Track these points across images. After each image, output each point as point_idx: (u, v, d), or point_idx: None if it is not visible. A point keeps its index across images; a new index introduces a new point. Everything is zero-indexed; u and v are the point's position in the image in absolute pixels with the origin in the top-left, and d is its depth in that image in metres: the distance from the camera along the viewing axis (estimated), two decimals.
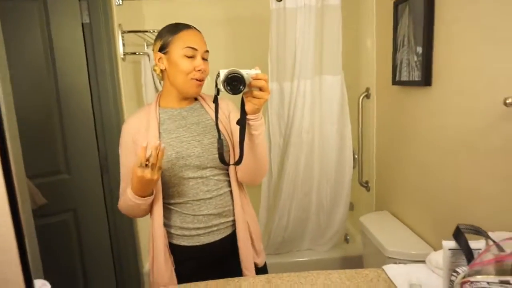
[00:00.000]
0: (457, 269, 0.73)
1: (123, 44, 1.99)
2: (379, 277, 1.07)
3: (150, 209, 1.18)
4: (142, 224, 2.05)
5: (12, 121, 0.99)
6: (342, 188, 2.16)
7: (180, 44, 1.12)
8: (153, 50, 1.20)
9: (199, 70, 1.13)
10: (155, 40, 1.18)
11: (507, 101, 0.97)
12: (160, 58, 1.16)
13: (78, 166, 1.81)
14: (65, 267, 1.81)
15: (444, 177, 1.43)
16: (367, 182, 2.24)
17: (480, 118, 1.20)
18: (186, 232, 1.18)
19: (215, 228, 1.20)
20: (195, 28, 1.18)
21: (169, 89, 1.19)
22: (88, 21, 1.83)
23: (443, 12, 1.39)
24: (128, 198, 1.10)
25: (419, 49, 1.51)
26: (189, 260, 1.20)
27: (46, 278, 0.88)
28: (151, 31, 2.18)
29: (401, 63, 1.68)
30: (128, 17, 2.12)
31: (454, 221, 1.34)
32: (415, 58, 1.54)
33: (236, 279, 1.11)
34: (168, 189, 1.17)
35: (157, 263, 1.16)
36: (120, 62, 1.96)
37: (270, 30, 1.96)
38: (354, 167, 2.17)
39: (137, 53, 2.11)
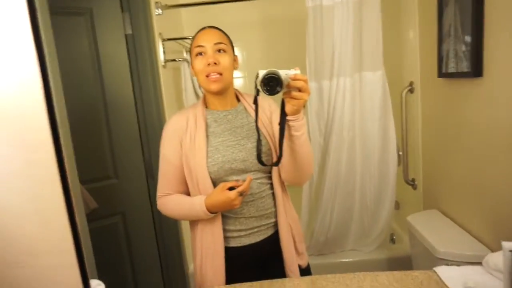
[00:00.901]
0: None
1: (164, 52, 2.06)
2: (430, 279, 1.02)
3: None
4: (186, 227, 2.11)
5: (66, 130, 1.05)
6: (387, 186, 2.08)
7: (193, 47, 1.16)
8: None
9: (209, 64, 1.12)
10: None
11: None
12: (192, 68, 1.20)
13: (125, 171, 1.89)
14: (116, 268, 1.90)
15: (500, 173, 1.34)
16: (413, 180, 2.14)
17: None
18: (228, 234, 1.20)
19: (256, 230, 1.20)
20: (211, 26, 1.19)
21: (205, 92, 1.23)
22: (130, 32, 1.91)
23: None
24: (191, 207, 1.15)
25: (468, 38, 1.42)
26: (232, 262, 1.21)
27: (99, 279, 0.93)
28: (190, 37, 2.24)
29: (447, 54, 1.60)
30: (168, 25, 2.19)
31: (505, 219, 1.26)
32: (463, 48, 1.46)
33: (280, 280, 1.11)
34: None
35: (211, 265, 1.18)
36: (161, 69, 2.03)
37: (307, 29, 1.94)
38: (398, 165, 2.09)
39: (176, 59, 2.18)
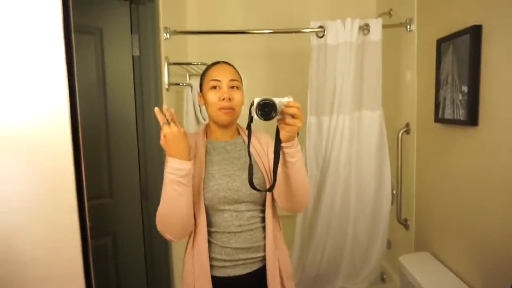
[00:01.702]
0: None
1: (168, 75, 2.09)
2: None
3: (191, 235, 1.18)
4: (177, 251, 2.07)
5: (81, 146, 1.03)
6: (380, 224, 2.10)
7: (207, 80, 1.21)
8: (197, 91, 1.27)
9: (224, 99, 1.16)
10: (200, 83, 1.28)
11: None
12: (200, 97, 1.26)
13: (120, 191, 1.87)
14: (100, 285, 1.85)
15: (493, 219, 1.36)
16: (406, 220, 2.16)
17: None
18: (214, 263, 1.19)
19: (241, 262, 1.19)
20: (224, 62, 1.25)
21: (210, 123, 1.26)
22: (138, 53, 1.94)
23: (489, 53, 1.37)
24: (166, 180, 1.06)
25: (465, 88, 1.48)
26: None
27: None
28: (194, 63, 2.29)
29: (444, 100, 1.66)
30: (174, 50, 2.24)
31: (503, 267, 1.27)
32: (460, 97, 1.52)
33: None
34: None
35: None
36: (164, 92, 2.05)
37: (310, 65, 2.01)
38: (392, 204, 2.11)
39: (180, 83, 2.21)
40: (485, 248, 1.41)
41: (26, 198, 0.50)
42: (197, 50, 2.62)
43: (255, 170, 1.16)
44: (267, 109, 0.96)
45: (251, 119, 1.03)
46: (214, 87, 1.18)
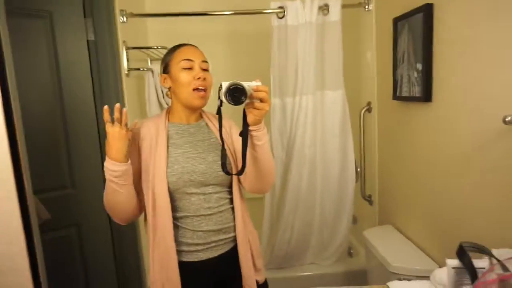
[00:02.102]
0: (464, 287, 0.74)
1: (127, 60, 2.02)
2: None
3: (151, 221, 1.16)
4: (145, 240, 2.05)
5: (21, 139, 1.00)
6: (345, 201, 2.16)
7: (177, 60, 1.18)
8: (159, 74, 1.25)
9: (199, 78, 1.16)
10: (160, 65, 1.24)
11: (507, 119, 0.99)
12: (164, 78, 1.22)
13: (83, 181, 1.82)
14: (69, 281, 1.81)
15: (446, 193, 1.44)
16: (370, 196, 2.24)
17: (480, 135, 1.21)
18: (185, 248, 1.18)
19: (213, 244, 1.20)
20: (191, 44, 1.24)
21: (176, 105, 1.23)
22: (93, 38, 1.86)
23: (441, 31, 1.41)
24: (106, 177, 1.08)
25: (419, 66, 1.53)
26: (189, 277, 1.18)
27: None
28: (155, 47, 2.22)
29: (401, 78, 1.71)
30: (132, 34, 2.16)
31: (458, 237, 1.35)
32: (415, 74, 1.57)
33: None
34: (171, 203, 1.17)
35: (166, 278, 1.15)
36: (124, 78, 1.98)
37: (271, 47, 2.00)
38: (356, 181, 2.18)
39: (141, 69, 2.15)
40: (442, 220, 1.49)
41: None
42: (158, 34, 2.54)
43: (223, 150, 1.16)
44: (236, 94, 0.96)
45: (220, 103, 1.02)
46: (187, 68, 1.16)
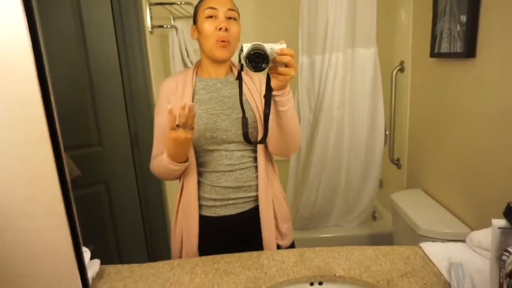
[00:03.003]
0: (510, 249, 0.69)
1: (151, 18, 1.96)
2: (416, 255, 1.04)
3: (182, 175, 1.18)
4: (171, 196, 2.09)
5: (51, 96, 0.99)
6: (372, 165, 2.11)
7: (202, 8, 1.12)
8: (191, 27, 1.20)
9: (220, 29, 1.09)
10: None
11: None
12: (193, 30, 1.17)
13: (109, 139, 1.83)
14: (99, 236, 1.88)
15: (484, 154, 1.36)
16: (398, 160, 2.18)
17: None
18: (204, 202, 1.18)
19: (231, 202, 1.18)
20: None
21: (203, 59, 1.18)
22: None
23: None
24: (163, 163, 1.10)
25: (463, 18, 1.41)
26: (207, 231, 1.19)
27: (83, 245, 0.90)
28: (179, 3, 2.14)
29: (441, 33, 1.58)
30: None
31: (494, 200, 1.29)
32: (458, 28, 1.45)
33: (268, 252, 1.11)
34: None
35: (186, 228, 1.19)
36: (148, 35, 1.94)
37: (300, 2, 1.89)
38: (385, 144, 2.11)
39: (164, 26, 2.09)
40: (477, 183, 1.42)
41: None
42: None
43: (246, 109, 1.10)
44: (258, 60, 0.88)
45: (241, 66, 0.95)
46: (210, 16, 1.10)
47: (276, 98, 0.98)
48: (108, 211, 1.89)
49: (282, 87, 0.96)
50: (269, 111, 1.00)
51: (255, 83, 1.20)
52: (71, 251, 0.52)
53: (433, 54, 1.67)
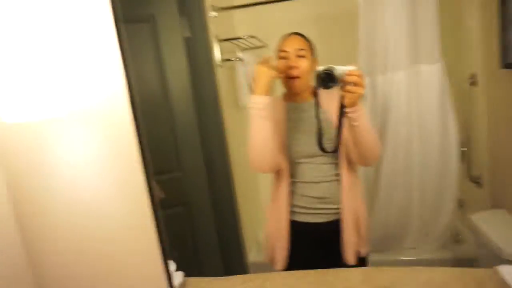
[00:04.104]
0: None
1: (221, 52, 2.16)
2: (491, 279, 0.99)
3: (276, 169, 1.35)
4: (244, 215, 2.20)
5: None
6: (448, 183, 1.99)
7: (278, 50, 1.35)
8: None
9: (289, 67, 1.29)
10: None
11: None
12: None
13: (187, 165, 2.02)
14: (180, 251, 2.04)
15: None
16: (478, 178, 2.03)
17: None
18: (293, 209, 1.37)
19: (317, 211, 1.34)
20: (294, 33, 1.37)
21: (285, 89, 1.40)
22: (189, 34, 2.03)
23: None
24: (253, 111, 1.23)
25: None
26: (296, 234, 1.36)
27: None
28: (244, 37, 2.32)
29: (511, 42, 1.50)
30: (222, 27, 2.29)
31: None
32: None
33: (334, 270, 1.13)
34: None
35: (277, 233, 1.38)
36: (217, 69, 2.13)
37: (359, 23, 1.92)
38: (462, 162, 1.98)
39: (232, 59, 2.27)
40: None
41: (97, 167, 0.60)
42: (245, 24, 2.64)
43: (328, 129, 1.28)
44: (326, 79, 1.08)
45: (317, 86, 1.14)
46: (282, 57, 1.32)
47: (349, 115, 1.14)
48: (189, 229, 2.06)
49: (353, 104, 1.11)
50: (341, 125, 1.18)
51: (335, 102, 1.31)
52: (159, 262, 0.64)
53: (504, 65, 1.57)
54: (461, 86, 1.95)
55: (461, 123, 1.96)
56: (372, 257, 2.07)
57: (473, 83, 1.94)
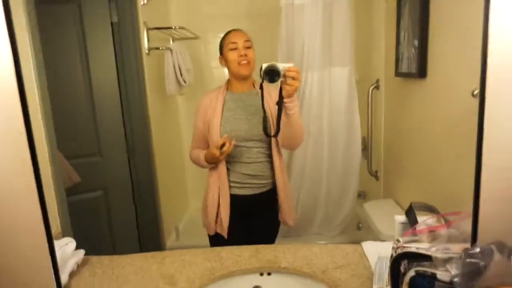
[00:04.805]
0: (399, 238, 0.84)
1: (148, 40, 2.18)
2: (355, 251, 1.18)
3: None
4: (164, 199, 2.28)
5: (48, 112, 1.19)
6: (351, 176, 2.24)
7: (226, 43, 1.53)
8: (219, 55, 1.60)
9: (241, 56, 1.49)
10: (219, 49, 1.59)
11: (474, 93, 1.04)
12: (221, 59, 1.58)
13: (108, 151, 2.04)
14: (96, 235, 2.06)
15: (442, 164, 1.48)
16: (376, 172, 2.31)
17: (459, 108, 1.26)
18: (231, 184, 1.57)
19: (247, 185, 1.57)
20: (237, 29, 1.56)
21: (231, 78, 1.59)
22: (116, 20, 2.03)
23: (437, 10, 1.44)
24: (199, 160, 1.56)
25: (416, 42, 1.57)
26: (232, 206, 1.57)
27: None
28: (174, 27, 2.37)
29: (402, 55, 1.75)
30: (154, 15, 2.31)
31: (453, 200, 1.41)
32: (413, 51, 1.60)
33: (228, 247, 1.26)
34: None
35: (222, 205, 1.57)
36: (145, 56, 2.16)
37: (280, 25, 2.08)
38: (364, 158, 2.24)
39: (160, 48, 2.30)
40: (438, 191, 1.54)
41: None
42: (180, 14, 2.68)
43: (268, 117, 1.48)
44: (271, 74, 1.23)
45: (262, 79, 1.28)
46: (232, 49, 1.49)
47: (286, 104, 1.33)
48: (106, 214, 2.08)
49: (290, 95, 1.30)
50: (281, 113, 1.35)
51: (271, 96, 1.52)
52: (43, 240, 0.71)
53: (397, 73, 1.83)
54: (368, 90, 2.20)
55: (365, 123, 2.22)
56: (282, 243, 2.28)
57: (377, 87, 2.20)
